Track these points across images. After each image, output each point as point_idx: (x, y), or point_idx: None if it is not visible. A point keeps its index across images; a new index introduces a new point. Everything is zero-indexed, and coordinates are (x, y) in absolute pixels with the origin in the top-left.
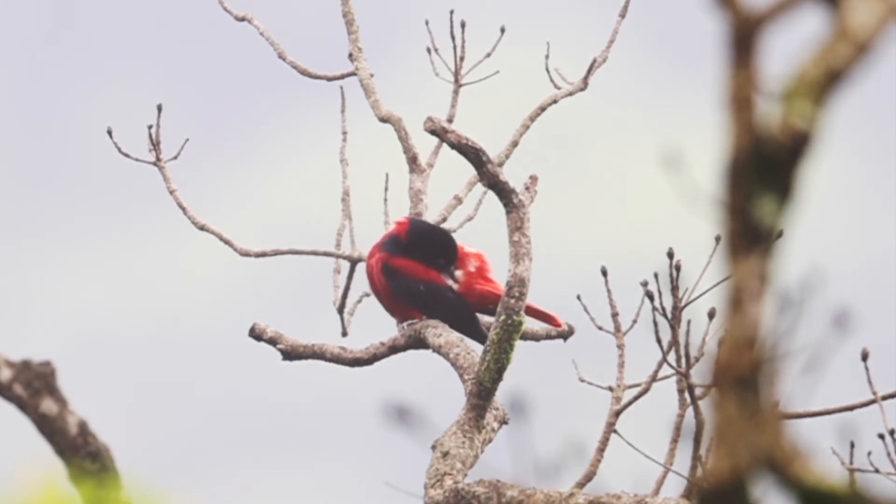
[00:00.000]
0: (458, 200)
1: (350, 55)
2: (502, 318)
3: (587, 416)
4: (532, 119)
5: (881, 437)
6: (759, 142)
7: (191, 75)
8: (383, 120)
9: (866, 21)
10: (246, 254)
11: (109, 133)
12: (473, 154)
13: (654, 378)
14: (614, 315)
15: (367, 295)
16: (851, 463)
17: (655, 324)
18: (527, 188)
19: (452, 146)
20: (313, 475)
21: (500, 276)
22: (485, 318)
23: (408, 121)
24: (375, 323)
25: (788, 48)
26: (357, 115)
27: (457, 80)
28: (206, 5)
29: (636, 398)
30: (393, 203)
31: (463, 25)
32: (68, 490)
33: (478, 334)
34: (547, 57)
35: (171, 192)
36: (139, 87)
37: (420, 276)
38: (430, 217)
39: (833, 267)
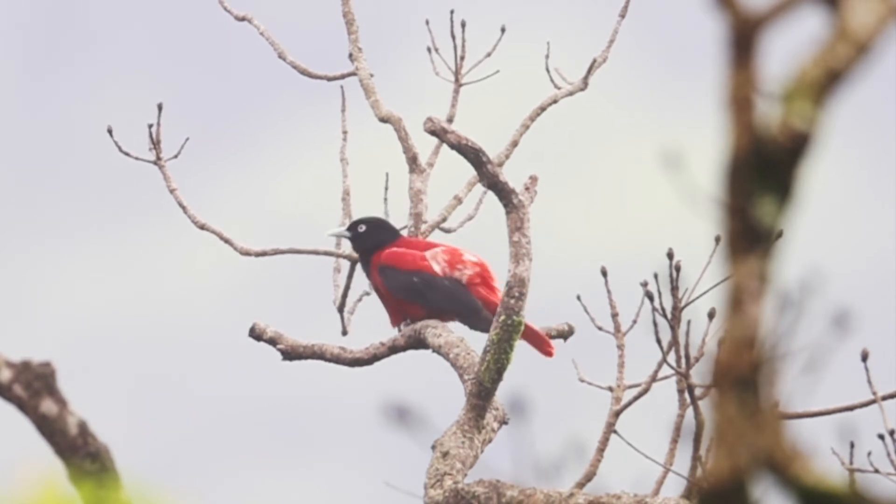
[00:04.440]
0: (458, 200)
1: (350, 55)
2: (502, 318)
3: (587, 417)
4: (532, 119)
5: (881, 437)
6: (758, 142)
7: (191, 75)
8: (383, 120)
9: (866, 21)
10: (246, 253)
11: (110, 132)
12: (473, 154)
13: (653, 378)
14: (614, 315)
15: (368, 294)
16: (851, 463)
17: (655, 324)
18: (527, 188)
19: (452, 146)
20: (313, 475)
21: (500, 276)
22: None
23: (408, 121)
24: (376, 322)
25: (788, 49)
26: (357, 114)
27: (457, 80)
28: (206, 5)
29: (636, 398)
30: (393, 203)
31: (463, 25)
32: (68, 490)
33: (481, 320)
34: (547, 57)
35: (172, 191)
36: (139, 86)
37: (410, 266)
38: (430, 217)
39: (833, 267)
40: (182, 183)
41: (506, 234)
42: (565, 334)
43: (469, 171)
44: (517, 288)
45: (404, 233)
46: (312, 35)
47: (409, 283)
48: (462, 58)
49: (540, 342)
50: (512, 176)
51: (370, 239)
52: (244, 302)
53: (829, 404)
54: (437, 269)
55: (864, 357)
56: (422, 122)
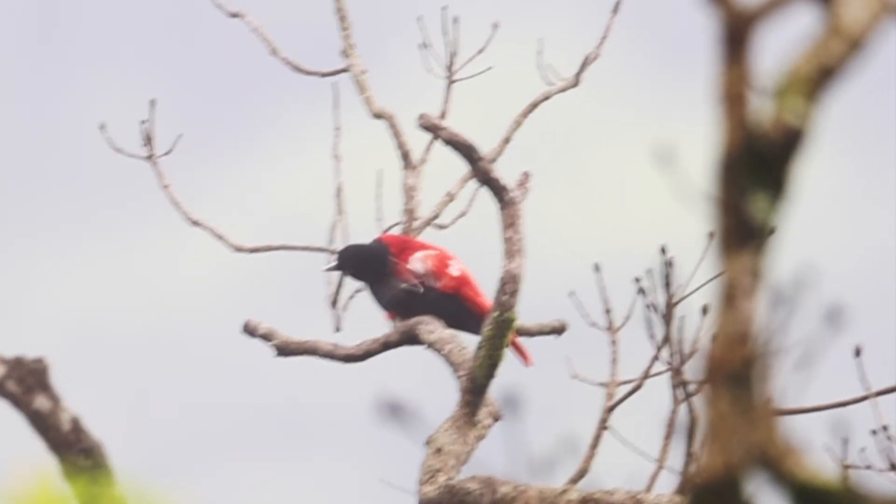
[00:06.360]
0: (451, 197)
1: (343, 51)
2: (495, 314)
3: (580, 413)
4: (524, 115)
5: (874, 433)
6: (751, 138)
7: (183, 71)
8: (376, 116)
9: (859, 17)
10: (239, 249)
11: (102, 128)
12: (466, 150)
13: (646, 374)
14: (607, 311)
15: (360, 291)
16: (844, 459)
17: (648, 320)
18: (519, 185)
19: (445, 142)
20: (307, 472)
21: (493, 273)
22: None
23: (401, 117)
24: (369, 319)
25: (781, 45)
26: (350, 111)
27: (449, 77)
28: (198, 1)
29: (629, 394)
30: (386, 199)
31: (455, 21)
32: (62, 486)
33: (467, 328)
34: (539, 53)
35: (165, 188)
36: (132, 82)
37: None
38: (423, 213)
39: (826, 263)
40: (175, 179)
41: (498, 230)
42: (558, 331)
43: (462, 168)
44: (510, 284)
45: (398, 229)
46: (305, 31)
47: (396, 298)
48: (454, 54)
49: (520, 353)
50: (505, 172)
51: (364, 275)
52: (237, 298)
53: (822, 400)
54: (421, 270)
55: (857, 353)
56: (415, 119)
